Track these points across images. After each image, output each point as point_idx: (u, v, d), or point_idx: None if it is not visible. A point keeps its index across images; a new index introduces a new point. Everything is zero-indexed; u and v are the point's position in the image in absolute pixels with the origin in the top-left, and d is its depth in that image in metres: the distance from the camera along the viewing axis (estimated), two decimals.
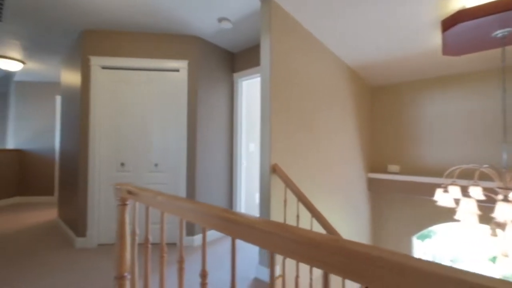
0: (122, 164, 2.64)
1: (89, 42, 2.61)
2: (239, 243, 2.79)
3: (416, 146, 3.98)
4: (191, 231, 2.66)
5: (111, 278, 1.98)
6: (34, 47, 3.08)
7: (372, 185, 4.17)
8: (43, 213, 3.84)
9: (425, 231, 4.11)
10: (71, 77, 2.98)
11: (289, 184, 1.89)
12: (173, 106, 2.70)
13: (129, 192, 1.03)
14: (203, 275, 0.84)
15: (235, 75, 3.12)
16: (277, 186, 2.02)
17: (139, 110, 2.68)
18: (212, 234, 2.86)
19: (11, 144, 4.81)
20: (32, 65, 3.76)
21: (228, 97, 3.08)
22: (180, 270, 0.91)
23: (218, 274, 2.10)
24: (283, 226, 0.58)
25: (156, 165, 2.67)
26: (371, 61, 3.19)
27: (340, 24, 2.32)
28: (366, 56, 3.03)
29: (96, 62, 2.59)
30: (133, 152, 2.66)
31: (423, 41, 2.60)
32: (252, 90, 3.47)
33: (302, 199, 1.81)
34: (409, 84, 4.05)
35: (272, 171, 1.97)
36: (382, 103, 4.34)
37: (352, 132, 3.51)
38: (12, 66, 3.50)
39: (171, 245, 2.63)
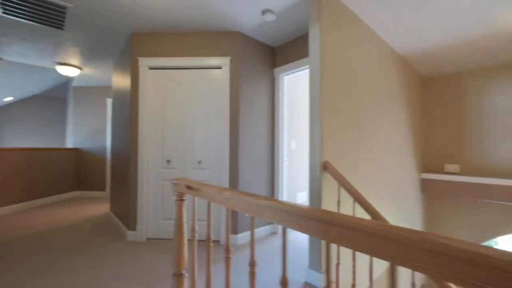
0: (168, 161, 2.71)
1: (137, 44, 2.72)
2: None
3: (481, 143, 3.48)
4: (234, 229, 2.63)
5: (160, 271, 2.02)
6: (89, 53, 3.34)
7: (426, 186, 3.75)
8: (97, 206, 4.16)
9: (491, 241, 3.58)
10: (121, 80, 3.16)
11: (344, 183, 1.73)
12: (216, 103, 2.70)
13: (189, 187, 0.98)
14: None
15: (276, 70, 3.02)
16: (329, 185, 1.87)
17: (183, 108, 2.72)
18: (257, 232, 2.79)
19: (70, 143, 5.33)
20: (87, 71, 4.09)
21: (269, 93, 3.00)
22: (252, 275, 0.83)
23: (266, 275, 2.02)
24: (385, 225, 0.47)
25: (199, 162, 2.69)
26: (429, 47, 2.84)
27: (395, 7, 2.08)
28: (424, 42, 2.71)
29: (143, 63, 2.69)
30: (178, 149, 2.71)
31: (503, 19, 2.23)
32: (293, 85, 3.34)
33: (360, 199, 1.64)
34: (472, 73, 3.56)
35: (323, 169, 1.83)
36: (436, 95, 3.89)
37: (403, 128, 3.18)
38: (71, 72, 3.85)
39: (214, 242, 2.62)
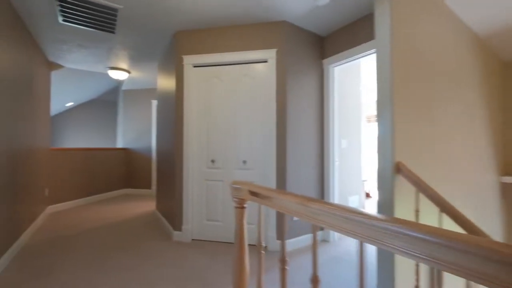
0: (213, 161, 2.63)
1: (180, 42, 2.69)
2: (337, 256, 2.41)
3: None
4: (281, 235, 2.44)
5: (207, 277, 1.92)
6: (136, 55, 3.45)
7: (509, 192, 3.11)
8: (144, 204, 4.33)
9: None
10: (165, 80, 3.19)
11: (424, 188, 1.42)
12: (261, 99, 2.54)
13: (253, 193, 0.81)
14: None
15: (325, 61, 2.75)
16: (403, 190, 1.56)
17: (227, 105, 2.62)
18: (303, 240, 2.57)
19: (119, 144, 5.69)
20: (135, 74, 4.27)
21: (317, 87, 2.74)
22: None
23: None
24: None
25: (244, 162, 2.56)
26: None
27: None
28: (509, 18, 2.20)
29: (188, 61, 2.65)
30: (223, 149, 2.62)
31: None
32: (342, 79, 3.02)
33: (449, 209, 1.32)
34: None
35: (395, 171, 1.53)
36: None
37: (480, 123, 2.65)
38: (121, 75, 4.05)
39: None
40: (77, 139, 7.51)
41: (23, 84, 2.52)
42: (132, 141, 5.35)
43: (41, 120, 3.21)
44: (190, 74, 2.67)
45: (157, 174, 3.64)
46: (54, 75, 4.47)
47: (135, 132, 5.34)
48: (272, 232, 2.44)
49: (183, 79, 2.68)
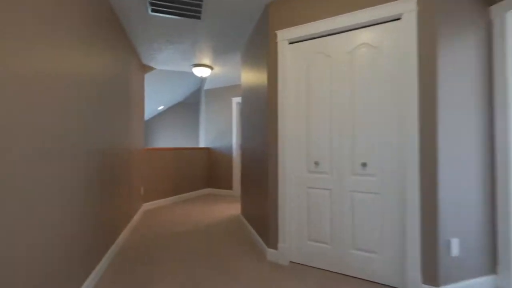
0: (316, 163, 2.00)
1: (273, 15, 2.18)
2: None
3: None
4: (430, 276, 1.60)
5: None
6: (220, 47, 3.17)
7: None
8: (227, 206, 4.09)
9: None
10: (252, 70, 2.76)
11: None
12: (391, 77, 1.76)
13: None
14: None
15: (494, 7, 1.75)
16: None
17: (337, 89, 1.95)
18: (470, 285, 1.65)
19: (202, 143, 5.76)
20: (217, 70, 4.08)
21: (482, 50, 1.76)
22: None
23: None
24: None
25: (363, 164, 1.83)
26: None
27: None
28: None
29: (283, 36, 2.11)
30: (330, 147, 1.96)
31: None
32: None
33: None
34: None
35: None
36: None
37: None
38: (204, 72, 3.91)
39: (381, 286, 1.69)
40: (167, 140, 8.21)
41: (122, 86, 2.51)
42: (213, 141, 5.30)
43: (137, 121, 3.29)
44: (286, 53, 2.12)
45: (241, 175, 3.28)
46: (148, 79, 4.75)
47: (215, 131, 5.27)
48: (415, 270, 1.63)
49: (277, 61, 2.16)
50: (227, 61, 3.72)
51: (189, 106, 8.11)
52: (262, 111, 2.37)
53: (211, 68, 3.93)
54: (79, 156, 1.53)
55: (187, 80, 5.73)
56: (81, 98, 1.56)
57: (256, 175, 2.57)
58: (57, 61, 1.28)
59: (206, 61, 3.71)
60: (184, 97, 7.53)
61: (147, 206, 3.90)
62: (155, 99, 6.26)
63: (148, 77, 4.72)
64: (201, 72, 3.89)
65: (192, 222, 3.24)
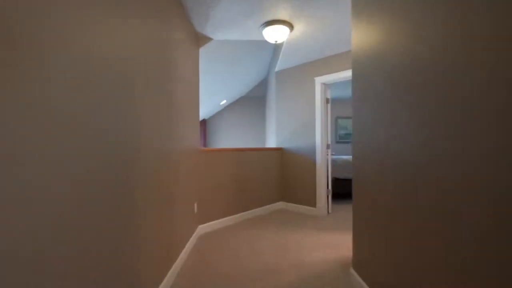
0: None
1: None
2: None
3: None
4: None
5: None
6: None
7: None
8: (314, 236, 2.68)
9: None
10: (380, 15, 1.29)
11: None
12: None
13: None
14: None
15: None
16: None
17: None
18: None
19: (271, 142, 4.52)
20: (299, 29, 2.71)
21: None
22: None
23: None
24: None
25: None
26: None
27: None
28: None
29: None
30: None
31: None
32: None
33: None
34: None
35: None
36: None
37: None
38: (280, 36, 2.62)
39: None
40: (228, 140, 7.34)
41: (166, 62, 1.43)
42: (287, 139, 3.98)
43: (189, 112, 2.24)
44: None
45: (355, 195, 1.83)
46: (205, 68, 3.76)
47: (290, 126, 3.93)
48: None
49: None
50: (320, 9, 2.31)
51: (253, 101, 7.06)
52: (403, 87, 0.88)
53: (291, 26, 2.60)
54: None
55: (254, 64, 4.59)
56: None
57: (403, 200, 1.08)
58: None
59: (283, 15, 2.41)
60: (248, 90, 6.49)
61: (203, 228, 2.84)
62: (217, 90, 5.35)
63: (204, 64, 3.74)
64: (275, 35, 2.62)
65: (267, 271, 1.96)
